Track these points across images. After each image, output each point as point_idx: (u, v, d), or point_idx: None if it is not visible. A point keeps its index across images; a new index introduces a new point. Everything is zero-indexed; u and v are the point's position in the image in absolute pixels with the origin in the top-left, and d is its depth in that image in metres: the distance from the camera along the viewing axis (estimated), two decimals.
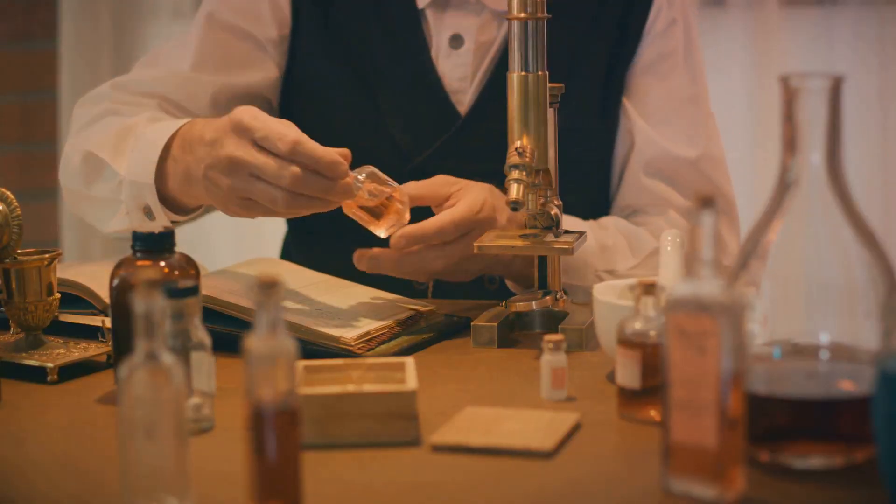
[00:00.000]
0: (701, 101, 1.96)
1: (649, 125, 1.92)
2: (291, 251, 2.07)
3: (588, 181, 1.95)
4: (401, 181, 1.85)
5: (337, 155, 1.57)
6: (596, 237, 1.83)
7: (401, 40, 1.93)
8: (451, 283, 1.80)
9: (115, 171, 1.75)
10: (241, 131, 1.58)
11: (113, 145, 1.77)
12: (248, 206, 1.61)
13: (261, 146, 1.56)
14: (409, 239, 1.67)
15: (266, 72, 1.96)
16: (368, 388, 1.31)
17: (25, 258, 1.54)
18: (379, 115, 1.94)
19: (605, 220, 1.90)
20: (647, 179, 1.92)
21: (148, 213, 1.73)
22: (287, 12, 1.95)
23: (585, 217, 1.89)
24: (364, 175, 1.62)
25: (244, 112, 1.59)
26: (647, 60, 1.94)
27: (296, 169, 1.55)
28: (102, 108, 1.87)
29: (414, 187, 1.72)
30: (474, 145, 1.91)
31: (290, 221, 2.09)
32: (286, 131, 1.56)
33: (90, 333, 1.61)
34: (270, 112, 2.00)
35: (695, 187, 1.91)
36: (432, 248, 1.69)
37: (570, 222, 1.78)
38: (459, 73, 1.93)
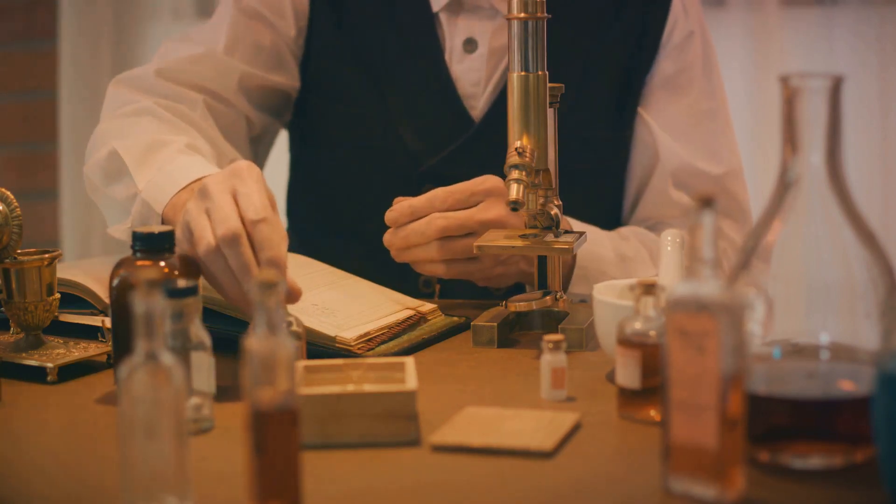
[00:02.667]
0: (720, 113, 1.95)
1: (670, 139, 1.92)
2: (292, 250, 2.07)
3: (598, 190, 1.95)
4: (412, 184, 1.85)
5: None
6: (615, 247, 1.82)
7: (414, 43, 1.92)
8: (455, 283, 1.80)
9: (134, 181, 1.73)
10: (201, 197, 1.47)
11: (140, 154, 1.71)
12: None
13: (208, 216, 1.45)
14: (403, 212, 1.68)
15: (289, 74, 1.95)
16: (368, 388, 1.31)
17: (25, 258, 1.54)
18: (391, 117, 1.93)
19: (625, 231, 1.89)
20: (674, 191, 1.91)
21: None
22: (305, 3, 1.95)
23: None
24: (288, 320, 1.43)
25: (209, 179, 1.48)
26: (665, 74, 1.92)
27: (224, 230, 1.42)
28: (143, 105, 1.83)
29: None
30: (487, 151, 1.89)
31: (290, 222, 2.09)
32: (228, 219, 1.42)
33: (90, 333, 1.61)
34: (287, 106, 1.99)
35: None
36: (495, 259, 1.70)
37: (590, 232, 1.77)
38: (473, 78, 1.92)
